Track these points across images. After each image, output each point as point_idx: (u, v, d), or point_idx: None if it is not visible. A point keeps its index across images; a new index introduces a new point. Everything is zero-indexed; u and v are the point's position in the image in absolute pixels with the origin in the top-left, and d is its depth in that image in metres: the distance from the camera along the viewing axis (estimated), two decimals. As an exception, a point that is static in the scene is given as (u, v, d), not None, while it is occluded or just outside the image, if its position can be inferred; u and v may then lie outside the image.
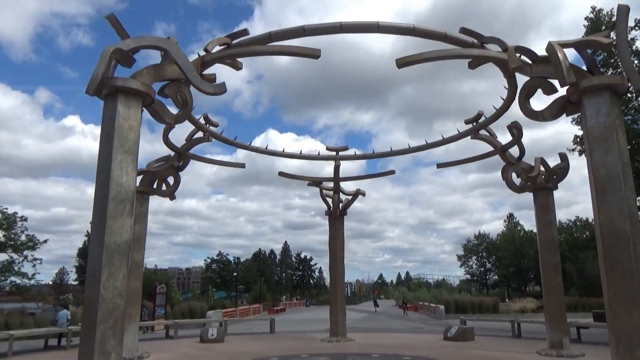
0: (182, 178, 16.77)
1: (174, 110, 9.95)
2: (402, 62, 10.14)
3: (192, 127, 16.18)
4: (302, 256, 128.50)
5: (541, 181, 16.15)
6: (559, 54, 8.84)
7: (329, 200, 20.76)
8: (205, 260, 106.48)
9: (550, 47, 9.06)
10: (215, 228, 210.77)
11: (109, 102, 8.33)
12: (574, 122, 28.34)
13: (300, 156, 19.31)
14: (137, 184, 15.62)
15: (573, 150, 26.95)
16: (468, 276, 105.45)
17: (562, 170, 16.14)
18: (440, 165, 19.23)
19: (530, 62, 9.98)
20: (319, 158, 19.63)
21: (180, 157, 16.31)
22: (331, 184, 20.62)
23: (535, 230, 17.41)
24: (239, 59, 10.84)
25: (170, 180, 16.71)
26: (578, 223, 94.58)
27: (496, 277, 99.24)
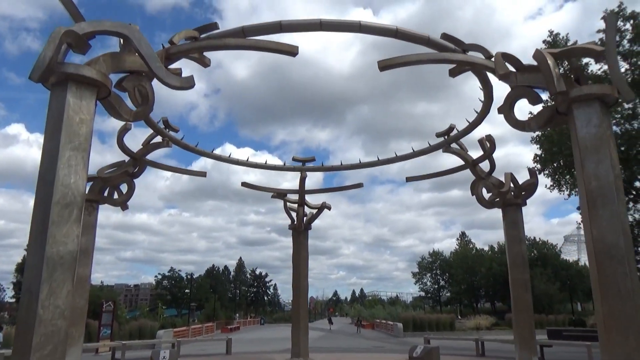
0: (133, 191, 15.45)
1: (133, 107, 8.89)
2: (384, 65, 9.55)
3: (150, 132, 15.00)
4: (257, 272, 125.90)
5: (510, 197, 15.99)
6: (549, 61, 8.49)
7: (293, 214, 19.90)
8: (156, 276, 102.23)
9: (539, 54, 8.72)
10: (167, 243, 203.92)
11: (57, 91, 7.19)
12: (533, 141, 28.96)
13: (265, 166, 18.37)
14: (87, 191, 14.26)
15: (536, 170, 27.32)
16: (422, 293, 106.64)
17: (531, 186, 16.05)
18: (410, 179, 18.81)
19: (514, 70, 9.64)
20: (285, 169, 18.78)
21: (136, 163, 15.04)
22: (296, 197, 19.78)
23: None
24: (208, 54, 9.93)
25: (124, 188, 15.36)
26: (527, 241, 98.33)
27: (449, 294, 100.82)
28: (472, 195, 16.93)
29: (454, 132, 15.86)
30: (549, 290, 70.37)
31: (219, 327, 56.46)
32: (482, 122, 13.70)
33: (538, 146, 28.58)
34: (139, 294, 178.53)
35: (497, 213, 16.48)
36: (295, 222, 19.60)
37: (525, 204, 16.23)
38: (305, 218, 19.79)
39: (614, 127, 26.07)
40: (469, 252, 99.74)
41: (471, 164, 16.24)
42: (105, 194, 15.30)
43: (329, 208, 20.08)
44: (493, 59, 9.47)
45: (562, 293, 75.29)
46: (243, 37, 9.29)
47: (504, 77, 9.15)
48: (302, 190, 19.23)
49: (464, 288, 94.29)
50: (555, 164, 27.90)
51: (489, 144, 15.31)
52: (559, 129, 26.87)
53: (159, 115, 14.89)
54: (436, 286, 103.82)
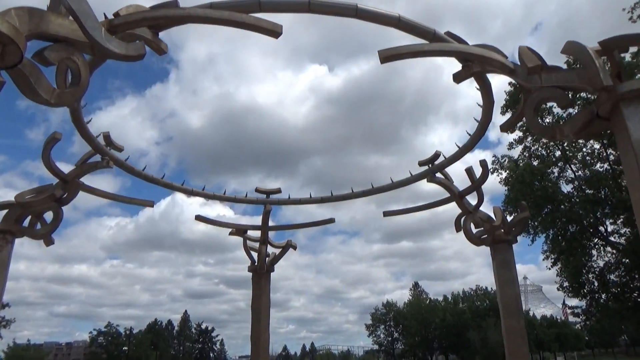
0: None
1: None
2: (385, 56, 7.80)
3: (88, 149, 12.46)
4: (203, 327, 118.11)
5: (500, 234, 14.37)
6: (591, 53, 7.01)
7: (254, 254, 17.39)
8: (91, 332, 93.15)
9: (576, 45, 7.26)
10: (106, 297, 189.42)
11: None
12: (502, 182, 28.22)
13: (225, 198, 15.98)
14: (-1, 220, 11.42)
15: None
16: (375, 346, 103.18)
17: (522, 221, 14.56)
18: (387, 213, 16.90)
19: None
20: (246, 201, 16.42)
21: (66, 187, 12.29)
22: (258, 234, 17.34)
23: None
24: (163, 36, 7.80)
25: (49, 216, 12.50)
26: (479, 292, 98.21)
27: (403, 346, 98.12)
28: (458, 231, 15.22)
29: (440, 159, 14.28)
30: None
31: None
32: (475, 146, 12.19)
33: (507, 188, 27.84)
34: (71, 353, 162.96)
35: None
36: (256, 263, 17.06)
37: (516, 241, 14.66)
38: (267, 258, 17.31)
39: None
40: (422, 302, 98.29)
41: (457, 196, 14.60)
42: (26, 223, 12.40)
43: (295, 247, 17.75)
44: (516, 55, 7.94)
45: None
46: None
47: (533, 71, 7.55)
48: (265, 226, 16.84)
49: (418, 340, 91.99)
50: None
51: (482, 169, 13.76)
52: (529, 170, 26.31)
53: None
54: (390, 338, 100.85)
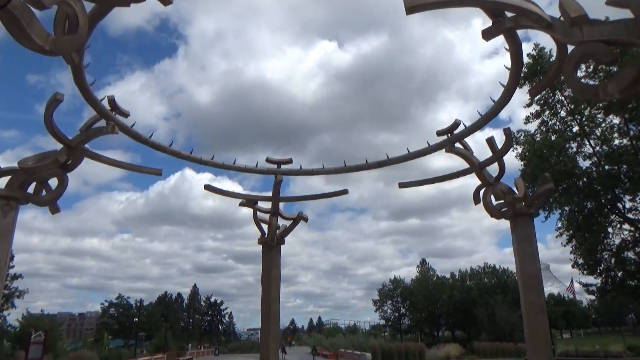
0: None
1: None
2: (411, 5, 7.11)
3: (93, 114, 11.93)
4: (212, 300, 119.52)
5: (521, 207, 13.75)
6: (644, -2, 6.26)
7: (264, 226, 16.97)
8: (102, 304, 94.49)
9: (626, -10, 6.49)
10: (117, 270, 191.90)
11: None
12: (518, 157, 27.42)
13: (234, 167, 15.47)
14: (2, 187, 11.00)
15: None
16: (381, 321, 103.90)
17: (546, 193, 13.90)
18: (403, 185, 16.30)
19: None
20: (257, 171, 15.91)
21: (70, 153, 11.82)
22: (268, 205, 16.87)
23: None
24: (171, 7, 7.16)
25: (54, 183, 12.07)
26: (487, 269, 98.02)
27: (410, 322, 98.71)
28: (476, 204, 14.65)
29: (460, 128, 13.59)
30: (510, 318, 69.35)
31: (170, 358, 51.45)
32: (503, 109, 11.46)
33: (522, 163, 27.03)
34: (84, 324, 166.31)
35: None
36: (267, 235, 16.63)
37: (538, 214, 14.07)
38: (277, 231, 16.87)
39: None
40: (430, 279, 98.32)
41: (477, 167, 13.96)
42: (32, 190, 12.00)
43: (306, 219, 17.29)
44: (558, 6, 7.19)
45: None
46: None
47: (576, 22, 6.83)
48: (276, 197, 16.35)
49: (425, 316, 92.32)
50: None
51: (505, 138, 13.06)
52: (548, 144, 25.45)
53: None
54: (397, 314, 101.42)
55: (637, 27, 6.41)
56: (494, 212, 13.98)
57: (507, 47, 9.62)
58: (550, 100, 27.62)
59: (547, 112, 28.19)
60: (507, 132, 13.08)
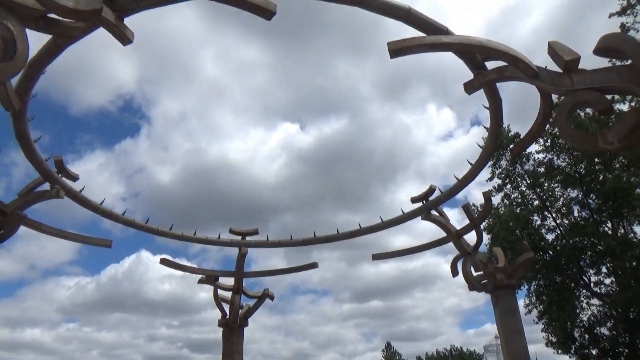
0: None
1: None
2: (395, 48, 6.66)
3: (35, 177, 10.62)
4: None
5: (501, 278, 12.98)
6: None
7: (225, 306, 15.32)
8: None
9: (620, 38, 6.29)
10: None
11: None
12: (485, 231, 27.22)
13: (195, 239, 14.14)
14: None
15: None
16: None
17: (526, 263, 13.24)
18: (376, 257, 15.31)
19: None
20: (220, 243, 14.61)
21: (5, 220, 10.30)
22: (230, 282, 15.36)
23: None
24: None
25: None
26: (454, 352, 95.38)
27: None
28: (454, 275, 13.81)
29: (435, 194, 13.04)
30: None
31: None
32: (480, 171, 11.03)
33: (489, 236, 26.79)
34: None
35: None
36: (228, 316, 14.95)
37: (519, 287, 13.31)
38: (240, 310, 15.25)
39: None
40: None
41: (455, 236, 13.27)
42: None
43: (272, 297, 15.78)
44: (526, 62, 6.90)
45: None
46: None
47: (571, 65, 6.49)
48: (240, 272, 14.90)
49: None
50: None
51: (486, 203, 12.54)
52: (513, 216, 25.48)
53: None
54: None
55: (633, 74, 6.12)
56: (475, 284, 13.10)
57: (487, 105, 9.34)
58: (511, 174, 28.22)
59: (508, 186, 28.72)
60: (487, 196, 12.63)
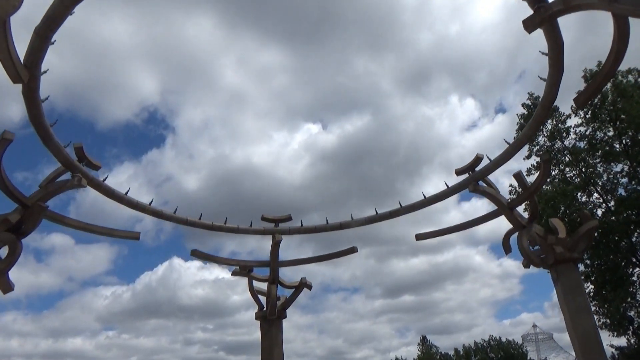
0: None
1: None
2: (420, 237, 5.74)
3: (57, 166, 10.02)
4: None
5: (562, 251, 11.77)
6: None
7: (262, 298, 14.56)
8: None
9: None
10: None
11: None
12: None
13: (226, 228, 13.41)
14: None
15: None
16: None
17: (589, 233, 12.00)
18: (420, 236, 14.27)
19: None
20: (252, 231, 13.81)
21: (26, 213, 9.71)
22: (266, 273, 14.57)
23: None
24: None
25: (3, 251, 9.81)
26: (492, 342, 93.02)
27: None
28: (507, 252, 12.69)
29: (484, 163, 11.92)
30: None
31: None
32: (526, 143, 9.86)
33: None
34: None
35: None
36: (265, 308, 14.16)
37: (583, 260, 12.09)
38: (278, 302, 14.45)
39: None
40: (433, 357, 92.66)
41: (507, 208, 12.12)
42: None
43: (310, 287, 14.94)
44: None
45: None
46: None
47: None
48: (275, 261, 14.08)
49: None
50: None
51: (543, 166, 11.36)
52: (560, 191, 24.08)
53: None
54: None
55: None
56: (533, 259, 11.92)
57: (545, 51, 8.22)
58: (551, 150, 26.70)
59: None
60: (546, 157, 11.43)
